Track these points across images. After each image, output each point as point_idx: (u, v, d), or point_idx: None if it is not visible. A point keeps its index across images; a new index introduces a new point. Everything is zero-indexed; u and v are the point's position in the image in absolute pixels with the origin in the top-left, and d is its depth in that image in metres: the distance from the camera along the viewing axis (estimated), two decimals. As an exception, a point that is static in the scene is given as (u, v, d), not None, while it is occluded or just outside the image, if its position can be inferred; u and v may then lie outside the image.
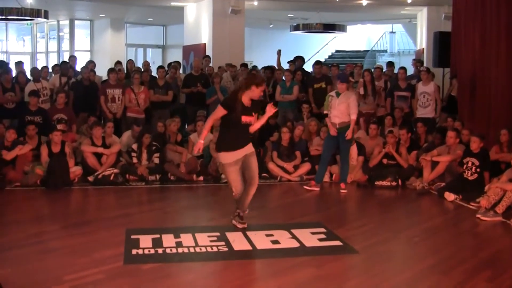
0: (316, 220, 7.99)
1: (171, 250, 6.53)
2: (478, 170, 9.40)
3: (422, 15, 20.10)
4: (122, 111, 12.42)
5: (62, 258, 6.27)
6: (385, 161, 10.70)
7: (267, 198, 9.53)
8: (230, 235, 7.07)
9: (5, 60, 19.66)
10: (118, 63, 14.96)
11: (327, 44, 30.87)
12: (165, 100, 12.98)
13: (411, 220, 8.55)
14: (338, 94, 9.87)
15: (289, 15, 24.19)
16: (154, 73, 14.36)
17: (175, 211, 8.90)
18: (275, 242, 6.91)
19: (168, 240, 6.86)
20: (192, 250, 6.56)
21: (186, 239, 6.91)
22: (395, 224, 8.18)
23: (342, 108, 9.78)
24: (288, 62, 15.05)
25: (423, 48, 19.10)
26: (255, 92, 7.08)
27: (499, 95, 11.30)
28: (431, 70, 13.13)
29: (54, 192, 9.72)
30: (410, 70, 14.73)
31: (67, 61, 14.98)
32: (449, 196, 9.30)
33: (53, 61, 23.40)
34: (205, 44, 17.51)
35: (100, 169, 10.41)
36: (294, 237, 7.07)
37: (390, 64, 15.35)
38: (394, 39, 31.22)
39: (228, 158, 7.22)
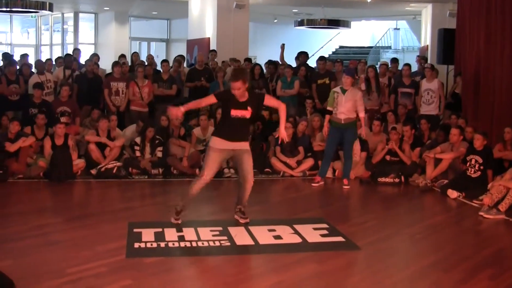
0: (318, 216, 8.00)
1: (173, 244, 6.54)
2: (481, 167, 9.39)
3: (426, 12, 20.05)
4: (125, 104, 12.42)
5: (65, 250, 6.28)
6: (388, 157, 10.70)
7: (269, 193, 9.53)
8: (232, 230, 7.08)
9: (9, 52, 19.67)
10: (122, 56, 14.95)
11: (331, 40, 30.83)
12: (169, 94, 12.97)
13: (413, 217, 8.56)
14: (343, 91, 9.86)
15: (293, 10, 24.15)
16: (158, 67, 14.35)
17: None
18: (278, 237, 6.91)
19: (171, 234, 6.86)
20: (194, 244, 6.57)
21: (189, 233, 6.92)
22: (398, 221, 8.19)
23: (348, 105, 9.79)
24: (295, 59, 15.03)
25: (427, 45, 19.06)
26: (233, 88, 7.02)
27: (503, 93, 11.28)
28: (435, 67, 13.10)
29: (57, 185, 9.74)
30: (414, 67, 14.70)
31: (71, 54, 14.96)
32: (452, 194, 9.29)
33: (57, 53, 23.34)
34: (209, 38, 17.48)
35: (103, 163, 10.42)
36: (296, 232, 7.07)
37: (394, 61, 15.31)
38: (398, 36, 31.18)
39: (215, 143, 7.19)
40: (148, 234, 6.83)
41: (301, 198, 9.50)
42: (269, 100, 7.50)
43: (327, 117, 10.12)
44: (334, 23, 22.53)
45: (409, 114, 12.35)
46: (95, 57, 14.05)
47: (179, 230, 7.02)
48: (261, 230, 7.11)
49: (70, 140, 10.43)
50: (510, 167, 9.31)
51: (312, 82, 13.44)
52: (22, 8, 17.10)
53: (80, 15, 25.19)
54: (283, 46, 14.98)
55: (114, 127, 11.13)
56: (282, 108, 7.39)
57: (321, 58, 14.10)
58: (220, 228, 7.15)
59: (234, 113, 7.09)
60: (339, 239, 6.94)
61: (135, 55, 15.59)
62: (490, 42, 11.57)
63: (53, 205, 8.91)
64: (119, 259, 5.98)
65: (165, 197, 9.41)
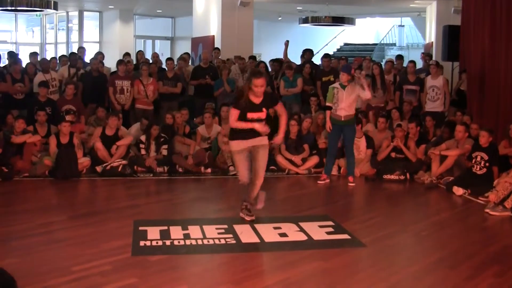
0: (324, 213, 7.99)
1: (178, 242, 6.53)
2: (487, 164, 9.37)
3: (431, 9, 20.04)
4: (130, 102, 12.42)
5: (70, 248, 6.28)
6: (393, 154, 10.69)
7: (275, 191, 9.52)
8: (238, 228, 7.07)
9: (14, 51, 19.69)
10: (127, 54, 14.95)
11: (335, 37, 30.81)
12: (174, 92, 12.99)
13: (419, 214, 8.54)
14: (343, 86, 9.84)
15: (298, 8, 24.15)
16: (164, 65, 14.36)
17: (183, 203, 8.91)
18: (283, 235, 6.91)
19: (176, 232, 6.86)
20: (199, 242, 6.57)
21: (194, 231, 6.92)
22: (403, 218, 8.17)
23: (350, 100, 9.78)
24: (300, 57, 15.02)
25: (432, 42, 19.04)
26: (255, 85, 7.09)
27: (508, 90, 11.24)
28: (440, 64, 13.07)
29: (62, 183, 9.75)
30: (419, 64, 14.67)
31: (76, 52, 14.97)
32: (458, 191, 9.27)
33: (62, 52, 23.38)
34: (213, 36, 17.48)
35: (109, 161, 10.44)
36: (301, 230, 7.07)
37: (400, 57, 15.30)
38: (403, 33, 31.13)
39: (236, 146, 7.32)
40: (153, 232, 6.83)
41: (306, 196, 9.50)
42: (280, 108, 7.55)
43: (328, 112, 10.10)
44: (338, 20, 22.53)
45: (414, 111, 12.33)
46: (99, 56, 14.06)
47: (185, 228, 7.02)
48: (266, 228, 7.11)
49: (75, 139, 10.44)
50: (515, 164, 9.30)
51: (317, 79, 13.42)
52: (27, 7, 17.13)
53: (85, 13, 25.24)
54: (287, 43, 14.97)
55: (119, 125, 11.14)
56: (284, 118, 7.57)
57: (326, 56, 14.09)
58: (226, 226, 7.14)
59: (250, 116, 7.18)
60: (345, 236, 6.93)
61: (140, 53, 15.59)
62: (495, 39, 11.53)
63: (58, 203, 8.92)
64: (125, 257, 5.98)
65: (171, 195, 9.43)
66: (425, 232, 7.34)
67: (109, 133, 10.77)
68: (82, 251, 6.12)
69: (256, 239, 6.73)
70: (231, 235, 6.81)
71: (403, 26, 30.99)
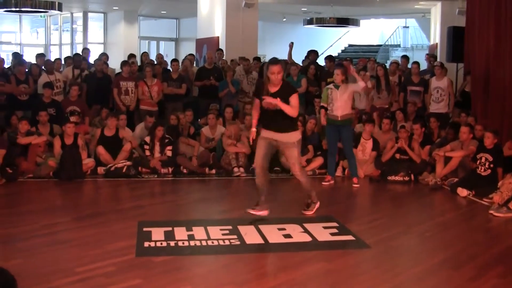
0: (328, 214, 7.98)
1: (183, 243, 6.53)
2: (491, 166, 9.36)
3: (436, 10, 20.03)
4: (135, 103, 12.43)
5: (74, 249, 6.29)
6: (397, 156, 10.68)
7: (279, 192, 9.51)
8: (242, 229, 7.07)
9: (19, 52, 19.73)
10: (132, 56, 14.97)
11: (340, 38, 30.79)
12: (179, 93, 13.01)
13: (423, 215, 8.53)
14: (336, 86, 9.82)
15: (302, 9, 24.16)
16: (168, 66, 14.39)
17: (188, 204, 8.92)
18: (287, 236, 6.90)
19: (180, 233, 6.86)
20: (204, 243, 6.56)
21: (198, 232, 6.92)
22: (407, 219, 8.16)
23: (345, 97, 9.74)
24: (303, 61, 15.01)
25: (437, 43, 19.03)
26: (272, 72, 7.23)
27: (513, 91, 11.24)
28: (444, 65, 13.06)
29: (67, 184, 9.77)
30: (424, 65, 14.66)
31: (80, 53, 14.99)
32: (462, 192, 9.26)
33: (66, 53, 23.44)
34: (218, 37, 17.49)
35: (112, 162, 10.45)
36: (306, 231, 7.07)
37: (405, 58, 15.30)
38: (407, 34, 31.13)
39: (262, 132, 7.55)
40: (158, 233, 6.83)
41: (310, 197, 9.51)
42: (293, 99, 7.37)
43: (323, 111, 10.15)
44: (343, 22, 22.54)
45: (419, 112, 12.33)
46: (104, 57, 14.09)
47: (189, 229, 7.01)
48: (270, 229, 7.10)
49: (80, 140, 10.46)
50: (520, 165, 9.29)
51: (322, 80, 13.43)
52: (32, 8, 17.18)
53: (89, 14, 25.28)
54: (291, 45, 14.99)
55: (123, 126, 11.16)
56: (290, 108, 7.38)
57: (328, 58, 14.13)
58: (230, 227, 7.14)
59: (266, 105, 7.30)
60: (349, 237, 6.93)
61: (145, 54, 15.63)
62: (500, 40, 11.51)
63: (63, 204, 8.93)
64: (129, 258, 5.98)
65: (175, 196, 9.44)
66: (429, 233, 7.33)
67: (108, 133, 10.77)
68: (86, 252, 6.13)
69: (260, 240, 6.73)
70: (235, 236, 6.80)
71: (408, 27, 30.98)
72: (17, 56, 14.13)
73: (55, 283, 5.23)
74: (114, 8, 24.28)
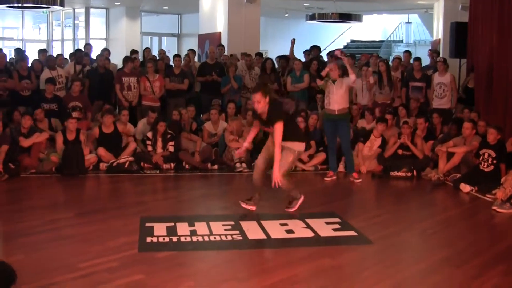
0: (330, 210, 7.98)
1: (185, 239, 6.54)
2: (494, 161, 9.34)
3: (438, 5, 19.94)
4: (137, 99, 12.42)
5: (77, 245, 6.29)
6: (400, 151, 10.67)
7: (281, 188, 9.49)
8: (244, 224, 7.08)
9: (21, 47, 19.71)
10: (135, 52, 14.93)
11: (342, 34, 30.73)
12: (181, 88, 13.00)
13: (426, 211, 8.52)
14: (333, 81, 9.82)
15: (304, 5, 24.08)
16: (171, 62, 14.38)
17: (190, 199, 8.92)
18: (290, 231, 6.90)
19: (183, 229, 6.86)
20: (206, 238, 6.57)
21: (201, 227, 6.92)
22: (410, 215, 8.16)
23: (341, 92, 9.76)
24: (304, 52, 14.98)
25: (440, 39, 18.97)
26: (252, 100, 7.40)
27: (516, 87, 11.21)
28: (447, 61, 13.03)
29: (69, 180, 9.77)
30: (426, 61, 14.62)
31: (81, 49, 14.98)
32: (465, 188, 9.25)
33: (68, 49, 23.43)
34: (220, 33, 17.45)
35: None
36: (308, 226, 7.06)
37: (407, 53, 15.26)
38: (410, 30, 31.05)
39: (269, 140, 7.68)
40: (160, 229, 6.83)
41: (313, 193, 9.44)
42: (274, 128, 7.27)
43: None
44: (345, 17, 22.44)
45: (421, 107, 12.30)
46: (106, 52, 14.05)
47: (191, 224, 7.02)
48: (273, 224, 7.11)
49: (82, 135, 10.47)
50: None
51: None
52: (34, 4, 17.11)
53: (91, 10, 25.23)
54: (293, 41, 14.97)
55: (125, 122, 11.16)
56: (256, 132, 7.81)
57: (331, 54, 14.10)
58: (232, 223, 7.14)
59: (266, 129, 7.55)
60: (351, 233, 6.92)
61: (147, 50, 15.61)
62: (503, 35, 11.47)
63: (65, 200, 8.93)
64: (131, 254, 5.99)
65: (177, 192, 9.44)
66: (432, 229, 7.32)
67: (106, 131, 10.77)
68: (89, 247, 6.13)
69: (262, 236, 6.73)
70: (237, 232, 6.80)
71: (410, 23, 30.91)
72: (19, 52, 14.12)
73: (58, 278, 5.24)
74: (116, 3, 24.23)
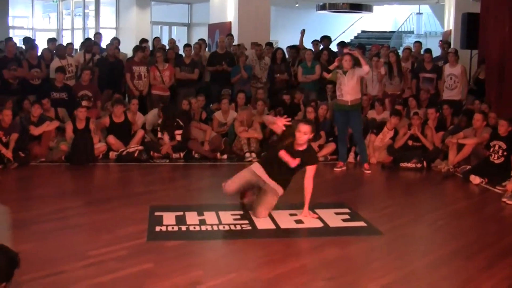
0: (340, 201, 7.97)
1: (194, 228, 6.53)
2: (505, 153, 9.29)
3: (450, -4, 19.84)
4: (147, 88, 12.42)
5: (86, 234, 6.32)
6: (410, 142, 10.64)
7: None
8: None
9: (31, 36, 19.73)
10: (145, 41, 14.93)
11: (353, 24, 30.64)
12: (191, 78, 12.98)
13: (435, 203, 8.50)
14: (344, 73, 9.80)
15: (315, -6, 24.06)
16: (181, 51, 14.36)
17: (199, 188, 8.93)
18: (299, 221, 6.90)
19: (192, 218, 6.87)
20: (215, 228, 6.57)
21: (210, 217, 6.92)
22: (420, 207, 8.13)
23: (352, 83, 9.76)
24: (312, 42, 14.93)
25: (451, 30, 18.86)
26: (299, 130, 7.12)
27: (528, 79, 11.16)
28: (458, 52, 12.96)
29: (79, 168, 9.79)
30: (437, 52, 14.56)
31: (91, 38, 14.98)
32: (475, 179, 9.22)
33: (78, 38, 23.42)
34: (230, 22, 17.41)
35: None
36: (318, 217, 7.05)
37: (418, 43, 15.21)
38: (421, 20, 30.93)
39: (256, 169, 7.37)
40: (169, 218, 6.84)
41: (322, 183, 9.41)
42: (310, 171, 7.24)
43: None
44: (356, 7, 22.44)
45: (432, 99, 12.25)
46: (115, 41, 14.04)
47: (200, 213, 7.02)
48: (282, 214, 7.09)
49: (92, 124, 10.48)
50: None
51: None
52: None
53: (102, -1, 25.23)
54: (303, 32, 14.95)
55: (134, 111, 11.18)
56: (308, 188, 7.27)
57: (341, 44, 14.10)
58: (241, 212, 7.15)
59: (282, 154, 7.08)
60: (361, 224, 6.91)
61: (157, 40, 15.59)
62: (515, 27, 11.43)
63: (75, 189, 8.95)
64: (140, 243, 5.99)
65: (187, 181, 9.46)
66: (442, 221, 7.29)
67: (117, 120, 10.79)
68: (98, 236, 6.14)
69: (272, 226, 6.72)
70: (246, 221, 6.80)
71: (421, 13, 30.77)
72: (29, 41, 14.13)
73: (67, 266, 5.24)
74: (126, -7, 24.23)
